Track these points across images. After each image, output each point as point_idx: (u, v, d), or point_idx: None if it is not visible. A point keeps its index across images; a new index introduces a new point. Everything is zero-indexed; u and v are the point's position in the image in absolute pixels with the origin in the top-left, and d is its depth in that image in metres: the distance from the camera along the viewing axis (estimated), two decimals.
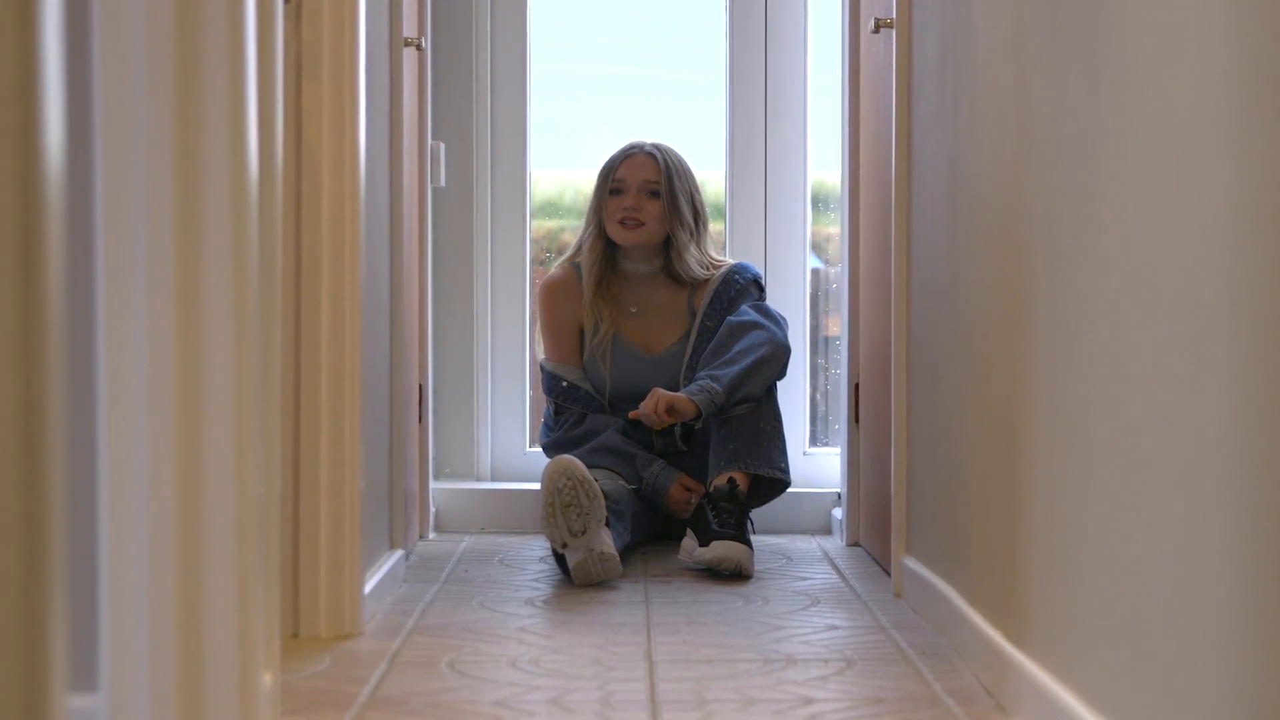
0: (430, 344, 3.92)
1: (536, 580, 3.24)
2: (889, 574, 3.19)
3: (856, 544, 3.73)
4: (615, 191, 3.73)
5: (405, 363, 3.29)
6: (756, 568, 3.36)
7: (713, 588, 3.16)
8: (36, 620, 1.03)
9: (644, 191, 3.72)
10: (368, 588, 2.73)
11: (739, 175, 4.27)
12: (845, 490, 3.79)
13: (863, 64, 3.68)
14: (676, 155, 3.77)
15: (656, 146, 3.76)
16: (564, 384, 3.79)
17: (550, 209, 4.52)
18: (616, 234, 3.73)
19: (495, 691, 2.24)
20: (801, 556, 3.60)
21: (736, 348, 3.56)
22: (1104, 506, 1.76)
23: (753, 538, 3.43)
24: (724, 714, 2.12)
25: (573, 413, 3.78)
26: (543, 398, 3.90)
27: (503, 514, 4.06)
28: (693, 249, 3.75)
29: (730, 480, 3.44)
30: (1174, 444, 1.54)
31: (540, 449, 3.90)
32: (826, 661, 2.44)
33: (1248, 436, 1.36)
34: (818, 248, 4.39)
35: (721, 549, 3.28)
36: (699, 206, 3.77)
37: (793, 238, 4.27)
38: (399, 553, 3.17)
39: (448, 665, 2.41)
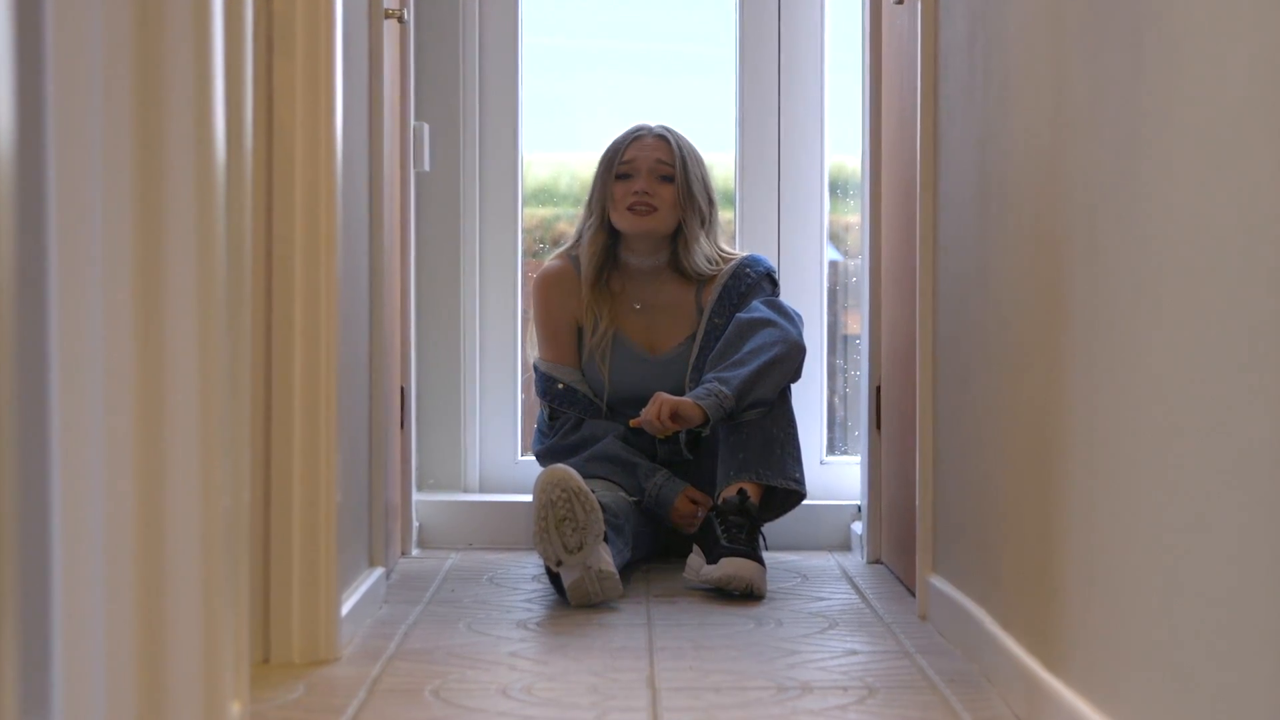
0: (413, 343, 3.92)
1: (529, 601, 3.24)
2: (913, 594, 3.19)
3: (878, 561, 3.73)
4: (623, 176, 3.73)
5: (386, 364, 3.30)
6: (769, 587, 3.36)
7: (721, 609, 3.16)
8: None
9: (655, 175, 3.72)
10: (345, 609, 2.73)
11: (750, 159, 4.27)
12: (866, 503, 3.79)
13: (885, 38, 3.68)
14: (686, 139, 3.78)
15: (665, 128, 3.77)
16: (559, 386, 3.79)
17: (544, 196, 4.52)
18: (625, 222, 3.72)
19: None
20: (818, 575, 3.60)
21: (747, 347, 3.56)
22: (1149, 520, 1.76)
23: (765, 554, 3.43)
24: None
25: (569, 418, 3.78)
26: (536, 401, 3.90)
27: (492, 529, 4.06)
28: (703, 240, 3.75)
29: (740, 492, 3.44)
30: (1225, 451, 1.53)
31: (533, 457, 3.90)
32: (846, 689, 2.44)
33: None
34: (836, 238, 4.39)
35: (731, 567, 3.28)
36: (711, 195, 3.78)
37: (808, 227, 4.27)
38: (379, 571, 3.17)
39: (432, 693, 2.41)
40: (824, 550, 3.98)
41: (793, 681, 2.49)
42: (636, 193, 3.71)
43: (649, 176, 3.72)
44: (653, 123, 3.79)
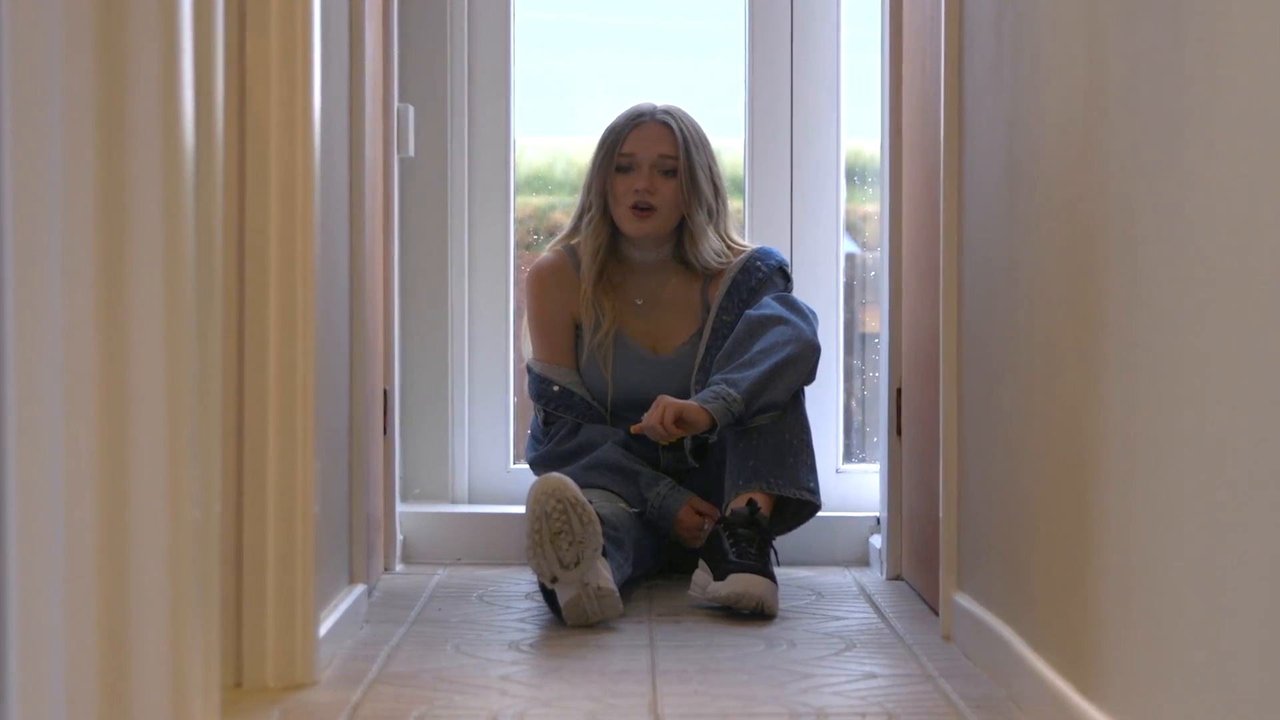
0: (397, 343, 3.92)
1: (522, 620, 3.24)
2: (937, 613, 3.19)
3: (898, 578, 3.73)
4: (623, 169, 3.72)
5: (368, 365, 3.30)
6: (781, 605, 3.36)
7: (730, 629, 3.16)
8: None
9: (658, 169, 3.71)
10: (323, 629, 2.73)
11: (760, 144, 4.27)
12: (885, 514, 3.79)
13: (906, 12, 3.68)
14: (691, 122, 3.76)
15: (669, 112, 3.75)
16: (555, 389, 3.78)
17: (538, 183, 4.52)
18: (626, 223, 3.72)
19: None
20: (834, 592, 3.60)
21: (757, 347, 3.56)
22: (1191, 533, 1.76)
23: (777, 570, 3.43)
24: None
25: (565, 422, 3.78)
26: (529, 405, 3.90)
27: (482, 543, 4.06)
28: (710, 233, 3.75)
29: (750, 503, 3.44)
30: (1274, 460, 1.53)
31: (526, 465, 3.90)
32: (864, 716, 2.44)
33: None
34: (853, 229, 4.39)
35: (740, 583, 3.28)
36: (718, 182, 3.77)
37: (823, 218, 4.27)
38: (360, 588, 3.17)
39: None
40: (840, 566, 3.98)
41: (807, 708, 2.49)
42: (639, 190, 3.70)
43: (651, 172, 3.71)
44: (657, 102, 3.78)
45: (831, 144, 4.27)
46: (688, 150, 3.72)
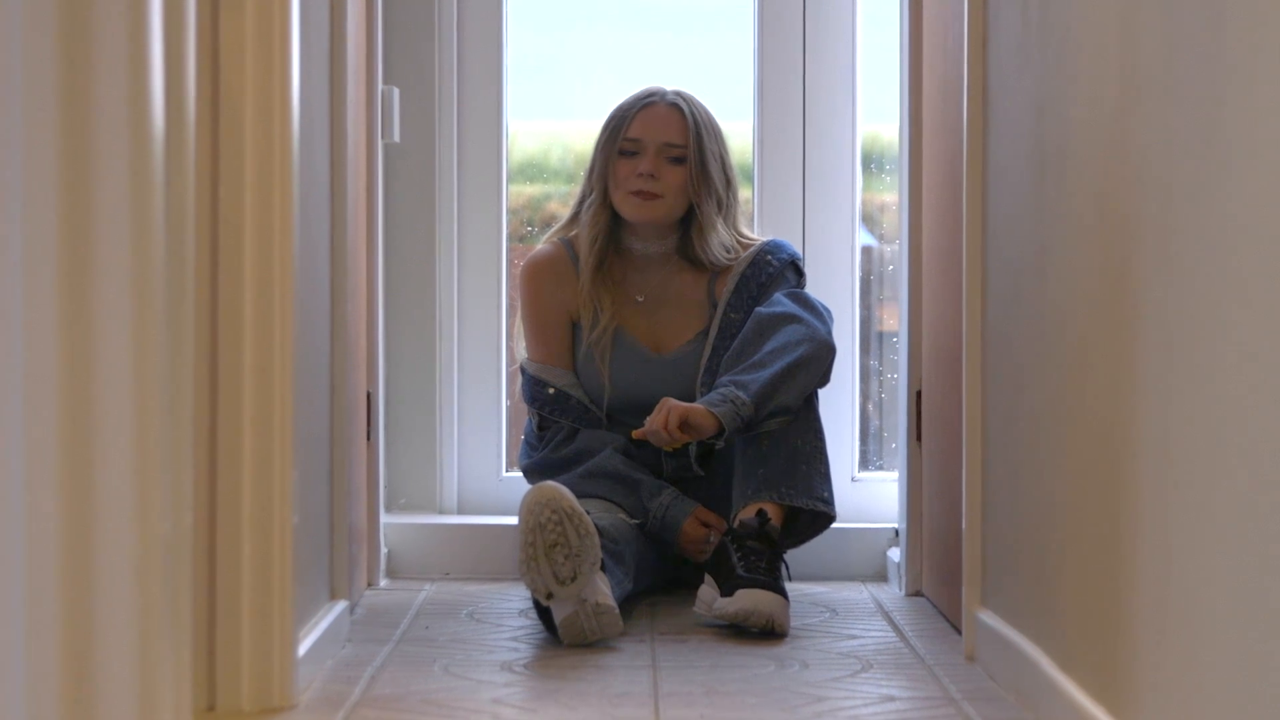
0: (381, 342, 3.92)
1: (515, 639, 3.24)
2: (959, 631, 3.19)
3: (918, 593, 3.73)
4: (627, 153, 3.72)
5: (350, 366, 3.29)
6: (793, 623, 3.36)
7: (737, 649, 3.16)
8: None
9: (664, 155, 3.71)
10: (302, 649, 2.73)
11: (770, 129, 4.27)
12: (904, 526, 3.79)
13: None
14: (704, 108, 3.77)
15: (680, 95, 3.75)
16: (550, 391, 3.78)
17: (532, 171, 4.52)
18: (627, 208, 3.72)
19: None
20: (849, 609, 3.60)
21: (767, 347, 3.56)
22: (1232, 546, 1.76)
23: (788, 585, 3.43)
24: None
25: (561, 427, 3.78)
26: (523, 408, 3.90)
27: (472, 556, 4.06)
28: (720, 226, 3.75)
29: (760, 513, 3.44)
30: None
31: (519, 473, 3.90)
32: None
33: None
34: (869, 220, 4.39)
35: (749, 600, 3.27)
36: (729, 173, 3.77)
37: (838, 208, 4.27)
38: (342, 605, 3.17)
39: None
40: (856, 581, 3.98)
41: None
42: (641, 174, 3.70)
43: (656, 157, 3.71)
44: (667, 87, 3.78)
45: (846, 129, 4.27)
46: (699, 136, 3.72)
